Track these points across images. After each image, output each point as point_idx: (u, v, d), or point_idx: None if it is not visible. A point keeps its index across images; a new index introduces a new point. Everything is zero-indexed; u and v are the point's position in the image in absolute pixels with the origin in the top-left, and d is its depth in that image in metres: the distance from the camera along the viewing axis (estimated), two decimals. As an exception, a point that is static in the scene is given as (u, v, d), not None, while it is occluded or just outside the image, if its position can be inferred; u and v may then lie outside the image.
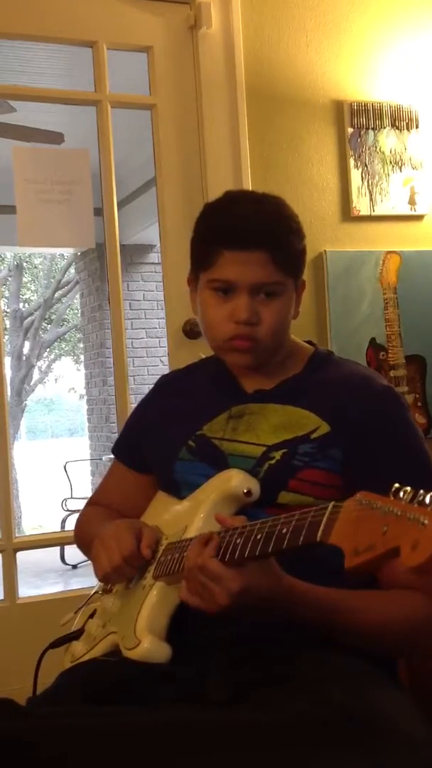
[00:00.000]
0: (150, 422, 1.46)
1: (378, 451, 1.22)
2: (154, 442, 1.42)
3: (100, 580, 1.34)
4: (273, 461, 1.24)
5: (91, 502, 1.56)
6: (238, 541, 1.05)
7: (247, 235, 1.23)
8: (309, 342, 1.40)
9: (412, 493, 0.83)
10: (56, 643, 1.39)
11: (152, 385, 1.54)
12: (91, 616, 1.39)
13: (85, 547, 1.42)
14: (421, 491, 0.82)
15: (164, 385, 1.51)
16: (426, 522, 0.78)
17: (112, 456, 1.57)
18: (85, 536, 1.44)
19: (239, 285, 1.24)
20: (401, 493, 0.84)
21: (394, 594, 1.15)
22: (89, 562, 1.34)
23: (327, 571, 1.05)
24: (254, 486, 1.20)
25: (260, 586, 1.05)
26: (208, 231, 1.28)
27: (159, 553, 1.25)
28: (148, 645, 1.16)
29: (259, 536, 1.02)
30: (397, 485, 0.85)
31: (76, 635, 1.38)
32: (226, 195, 1.33)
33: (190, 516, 1.23)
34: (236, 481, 1.21)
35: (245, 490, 1.19)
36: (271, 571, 1.06)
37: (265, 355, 1.30)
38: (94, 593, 1.42)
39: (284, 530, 0.99)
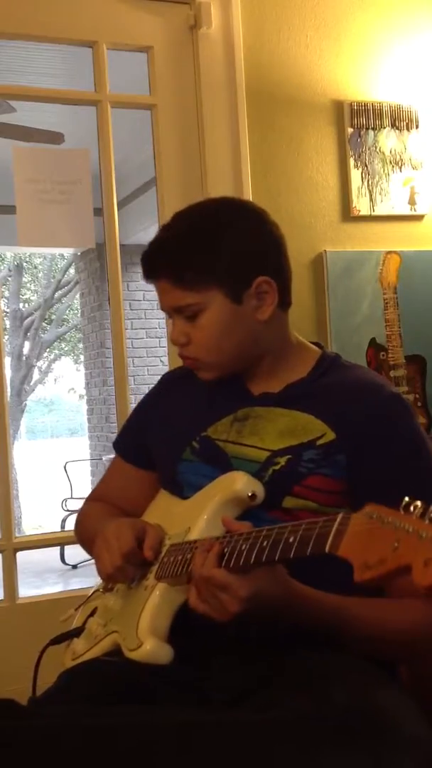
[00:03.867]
0: (154, 419, 1.45)
1: (384, 459, 1.20)
2: (158, 441, 1.41)
3: (102, 580, 1.34)
4: (277, 467, 1.23)
5: (92, 498, 1.56)
6: (243, 547, 1.04)
7: (146, 267, 1.30)
8: (317, 344, 1.38)
9: (422, 508, 0.83)
10: (57, 640, 1.38)
11: (153, 384, 1.53)
12: (92, 614, 1.38)
13: (88, 545, 1.41)
14: None
15: (169, 382, 1.50)
16: None
17: (112, 456, 1.56)
18: (86, 533, 1.43)
19: (163, 311, 1.31)
20: (412, 508, 0.84)
21: (402, 602, 1.14)
22: (89, 562, 1.34)
23: (331, 578, 1.05)
24: (259, 489, 1.19)
25: (269, 590, 1.04)
26: None
27: (162, 554, 1.24)
28: (150, 647, 1.15)
29: (265, 543, 1.02)
30: (407, 499, 0.85)
31: (77, 632, 1.38)
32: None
33: (193, 517, 1.22)
34: (241, 483, 1.19)
35: (250, 494, 1.18)
36: (279, 574, 1.06)
37: (224, 368, 1.30)
38: (95, 591, 1.42)
39: (291, 539, 0.98)
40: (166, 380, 1.51)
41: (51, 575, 6.21)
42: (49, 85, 3.58)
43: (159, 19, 2.30)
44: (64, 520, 6.93)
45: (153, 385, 1.53)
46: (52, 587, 5.86)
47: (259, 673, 1.12)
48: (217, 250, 1.25)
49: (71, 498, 7.49)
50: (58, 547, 6.04)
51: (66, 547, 5.92)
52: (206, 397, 1.36)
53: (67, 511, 7.02)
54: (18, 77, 3.62)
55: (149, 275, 1.29)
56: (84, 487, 7.98)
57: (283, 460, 1.23)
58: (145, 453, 1.44)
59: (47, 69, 3.65)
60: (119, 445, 1.53)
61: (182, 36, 2.32)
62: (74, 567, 6.35)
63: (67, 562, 6.42)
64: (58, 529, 6.82)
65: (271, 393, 1.31)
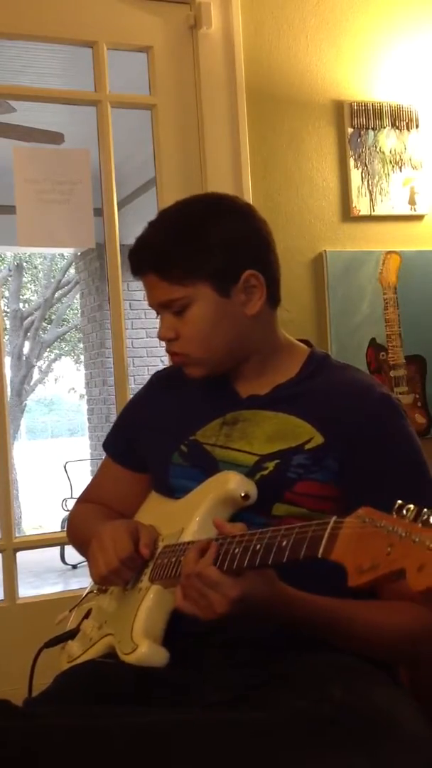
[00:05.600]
0: (143, 421, 1.44)
1: (375, 462, 1.19)
2: (148, 443, 1.40)
3: (96, 583, 1.33)
4: (266, 472, 1.21)
5: (83, 500, 1.55)
6: (236, 550, 1.04)
7: (134, 263, 1.29)
8: (305, 341, 1.37)
9: (415, 511, 0.83)
10: (51, 643, 1.38)
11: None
12: (86, 615, 1.37)
13: (81, 547, 1.40)
14: (425, 510, 0.82)
15: (159, 383, 1.48)
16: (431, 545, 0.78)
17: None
18: (80, 535, 1.43)
19: (151, 307, 1.30)
20: (404, 511, 0.84)
21: (393, 604, 1.14)
22: (89, 562, 1.33)
23: (323, 581, 1.04)
24: (252, 489, 1.18)
25: (258, 593, 1.04)
26: None
27: (156, 556, 1.23)
28: (145, 650, 1.14)
29: (258, 547, 1.01)
30: (400, 502, 0.84)
31: (71, 635, 1.37)
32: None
33: (185, 518, 1.22)
34: (234, 483, 1.18)
35: (243, 494, 1.17)
36: (268, 577, 1.06)
37: (212, 364, 1.28)
38: (89, 592, 1.41)
39: (284, 543, 0.98)
40: (156, 381, 1.49)
41: (51, 575, 6.22)
42: (49, 85, 3.57)
43: (159, 19, 2.30)
44: (64, 520, 6.93)
45: (142, 386, 1.51)
46: (51, 587, 5.87)
47: (254, 673, 1.11)
48: (205, 244, 1.24)
49: (71, 498, 7.48)
50: (58, 547, 6.05)
51: (66, 547, 5.92)
52: (195, 399, 1.35)
53: (67, 511, 6.98)
54: (18, 77, 3.61)
55: (136, 271, 1.29)
56: (84, 487, 7.97)
57: (271, 465, 1.21)
58: (135, 454, 1.43)
59: (47, 69, 3.64)
60: (108, 446, 1.52)
61: (182, 36, 2.32)
62: (74, 567, 6.36)
63: (67, 562, 6.42)
64: (58, 529, 6.81)
65: (259, 395, 1.29)
